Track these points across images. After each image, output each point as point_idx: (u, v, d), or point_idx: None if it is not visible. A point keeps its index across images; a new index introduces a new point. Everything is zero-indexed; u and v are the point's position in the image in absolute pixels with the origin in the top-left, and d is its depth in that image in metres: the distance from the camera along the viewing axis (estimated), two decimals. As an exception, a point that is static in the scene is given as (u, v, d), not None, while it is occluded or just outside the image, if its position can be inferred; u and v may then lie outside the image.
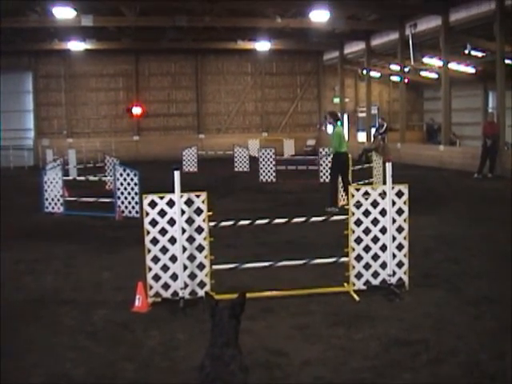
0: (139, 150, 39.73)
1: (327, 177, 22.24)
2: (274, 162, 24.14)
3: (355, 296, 8.06)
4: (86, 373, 5.90)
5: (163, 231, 7.91)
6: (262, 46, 37.33)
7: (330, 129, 16.25)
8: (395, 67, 37.00)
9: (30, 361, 6.19)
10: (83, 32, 33.27)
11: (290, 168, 24.88)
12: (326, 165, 22.58)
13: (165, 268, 7.97)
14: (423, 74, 39.24)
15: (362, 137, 39.83)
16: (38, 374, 5.89)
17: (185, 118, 42.37)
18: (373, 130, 36.06)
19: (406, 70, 33.58)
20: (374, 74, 40.52)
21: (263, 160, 24.16)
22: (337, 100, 41.86)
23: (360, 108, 42.30)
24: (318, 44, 39.77)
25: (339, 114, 17.16)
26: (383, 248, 8.23)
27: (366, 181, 18.22)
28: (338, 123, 16.56)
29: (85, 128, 40.77)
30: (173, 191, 7.80)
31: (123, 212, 15.41)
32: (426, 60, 34.98)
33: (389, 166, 8.19)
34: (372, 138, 35.08)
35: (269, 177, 23.90)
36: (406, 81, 34.28)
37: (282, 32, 34.43)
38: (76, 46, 35.83)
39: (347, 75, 41.44)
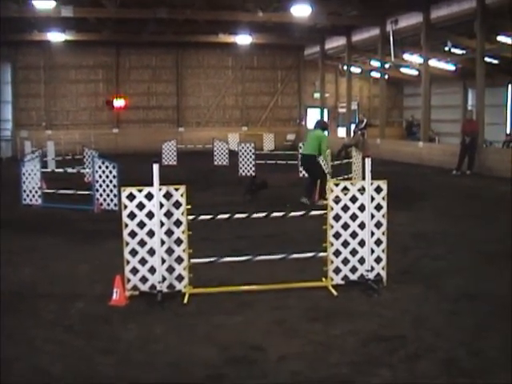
0: (118, 143, 39.57)
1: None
2: (253, 157, 24.12)
3: (333, 291, 8.06)
4: (64, 366, 5.84)
5: (141, 224, 7.87)
6: (243, 39, 37.25)
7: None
8: (376, 63, 37.08)
9: (7, 354, 6.13)
10: (63, 23, 33.04)
11: (270, 162, 24.86)
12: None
13: (143, 261, 7.93)
14: (403, 70, 39.33)
15: (341, 132, 39.88)
16: (15, 367, 5.83)
17: (165, 111, 42.25)
18: (353, 126, 36.12)
19: (387, 66, 33.69)
20: (355, 69, 40.56)
21: (243, 154, 24.14)
22: (317, 95, 41.91)
23: (340, 103, 42.36)
24: (299, 39, 39.76)
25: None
26: (362, 243, 8.24)
27: (346, 176, 18.25)
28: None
29: (64, 120, 40.53)
30: (152, 184, 7.76)
31: (102, 205, 15.32)
32: (406, 56, 35.07)
33: (368, 161, 8.19)
34: (352, 134, 35.14)
35: (248, 171, 23.87)
36: (387, 77, 34.39)
37: (264, 26, 34.41)
38: (56, 37, 35.55)
39: (328, 70, 41.47)
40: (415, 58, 34.65)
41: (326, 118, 38.61)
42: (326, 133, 16.85)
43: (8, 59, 39.50)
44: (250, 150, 24.11)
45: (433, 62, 32.36)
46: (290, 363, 5.86)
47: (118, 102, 40.01)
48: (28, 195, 16.26)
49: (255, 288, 8.20)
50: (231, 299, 7.82)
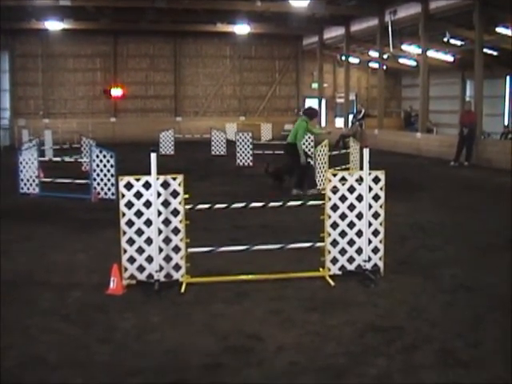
0: (116, 132, 39.48)
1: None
2: (251, 146, 24.10)
3: (330, 281, 8.06)
4: (60, 355, 5.84)
5: (139, 213, 7.86)
6: (242, 29, 37.16)
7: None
8: (374, 53, 37.03)
9: (3, 343, 6.12)
10: (61, 12, 32.87)
11: (267, 152, 24.83)
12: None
13: (140, 250, 7.93)
14: (402, 61, 39.27)
15: (339, 122, 39.88)
16: (11, 356, 5.83)
17: (162, 101, 42.17)
18: (350, 116, 36.12)
19: (385, 56, 33.61)
20: (353, 59, 40.49)
21: (240, 144, 24.11)
22: (315, 85, 41.86)
23: (338, 94, 42.30)
24: (297, 29, 39.63)
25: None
26: (359, 234, 8.24)
27: (343, 166, 18.24)
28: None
29: (61, 109, 40.45)
30: (149, 173, 7.75)
31: (99, 194, 15.31)
32: (404, 47, 34.99)
33: (366, 151, 8.18)
34: (350, 124, 35.15)
35: (246, 161, 23.86)
36: (385, 67, 34.35)
37: (262, 16, 34.30)
38: (54, 25, 35.42)
39: (326, 60, 41.37)
40: (413, 49, 34.57)
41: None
42: (313, 120, 16.75)
43: (6, 48, 39.39)
44: (248, 140, 24.09)
45: (431, 53, 32.33)
46: (288, 353, 5.87)
47: (116, 91, 39.96)
48: (25, 184, 16.24)
49: (253, 278, 8.21)
50: (228, 289, 7.82)
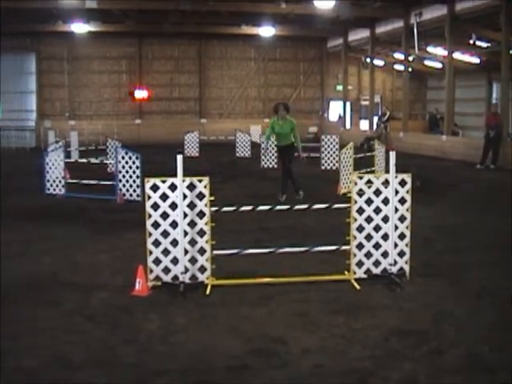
0: (141, 134, 39.62)
1: (329, 164, 22.37)
2: (275, 148, 23.99)
3: (356, 284, 8.04)
4: (85, 356, 5.87)
5: (165, 215, 7.89)
6: (266, 31, 37.15)
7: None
8: (399, 56, 36.88)
9: (28, 343, 6.17)
10: (87, 14, 33.09)
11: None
12: (328, 152, 22.63)
13: (165, 252, 7.95)
14: (427, 63, 39.09)
15: (364, 125, 39.73)
16: (36, 355, 5.87)
17: (187, 103, 42.25)
18: (375, 119, 35.98)
19: (411, 58, 33.46)
20: (378, 62, 40.34)
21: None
22: (340, 88, 41.72)
23: (363, 96, 42.14)
24: (322, 31, 39.49)
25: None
26: (385, 237, 8.20)
27: (368, 169, 18.17)
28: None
29: (87, 110, 40.67)
30: (175, 175, 7.76)
31: (124, 195, 15.38)
32: (430, 49, 34.83)
33: (392, 154, 8.14)
34: (374, 127, 35.02)
35: (270, 163, 23.82)
36: (410, 70, 34.19)
37: (287, 18, 34.22)
38: (80, 28, 35.66)
39: (351, 63, 41.20)
40: (439, 51, 34.40)
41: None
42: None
43: (32, 50, 39.70)
44: (273, 142, 24.01)
45: (457, 55, 32.13)
46: (313, 356, 5.86)
47: (141, 93, 40.11)
48: (51, 185, 16.36)
49: (277, 280, 8.19)
50: (253, 291, 7.82)
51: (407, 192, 8.19)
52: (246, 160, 27.53)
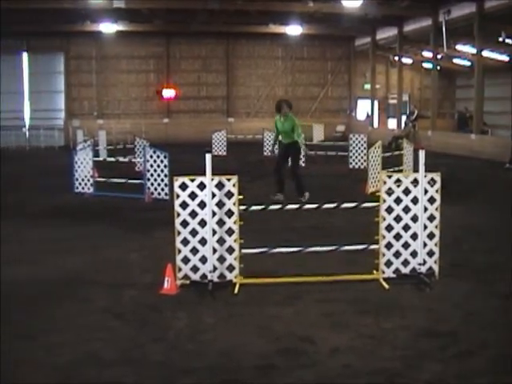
0: (168, 133, 39.77)
1: (356, 163, 22.29)
2: (303, 147, 23.95)
3: (384, 284, 8.00)
4: (114, 353, 5.91)
5: (193, 214, 7.90)
6: (294, 30, 37.16)
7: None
8: (427, 54, 36.66)
9: (57, 340, 6.22)
10: (115, 14, 33.30)
11: (320, 153, 24.73)
12: (356, 151, 22.54)
13: (194, 251, 7.97)
14: (456, 61, 38.82)
15: (392, 124, 39.55)
16: (65, 352, 5.91)
17: (214, 102, 42.36)
18: (403, 117, 35.81)
19: (439, 56, 33.25)
20: (406, 60, 40.14)
21: (292, 145, 23.97)
22: (367, 86, 41.59)
23: (391, 95, 41.95)
24: (349, 29, 39.42)
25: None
26: (414, 236, 8.15)
27: (396, 168, 18.08)
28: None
29: (115, 109, 40.94)
30: (203, 174, 7.78)
31: (152, 194, 15.45)
32: (459, 47, 34.60)
33: (422, 153, 8.09)
34: (402, 125, 34.85)
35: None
36: (438, 68, 33.97)
37: (314, 16, 34.18)
38: (108, 27, 35.92)
39: (378, 61, 41.06)
40: (468, 49, 34.16)
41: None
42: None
43: (61, 49, 40.05)
44: (301, 141, 23.95)
45: (486, 53, 31.86)
46: (341, 356, 5.84)
47: (169, 92, 40.27)
48: (80, 183, 16.46)
49: (305, 280, 8.18)
50: (281, 290, 7.81)
51: (436, 191, 8.14)
52: (273, 159, 27.43)
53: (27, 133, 37.88)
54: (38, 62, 39.41)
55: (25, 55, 39.66)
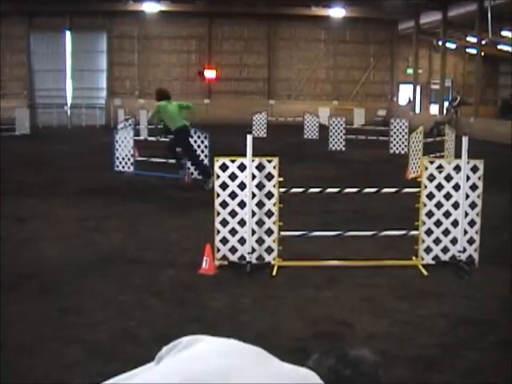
0: (209, 113, 39.73)
1: (397, 148, 22.12)
2: (343, 131, 23.90)
3: (423, 270, 7.94)
4: (150, 331, 5.94)
5: (233, 195, 7.91)
6: (337, 12, 36.91)
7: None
8: (472, 39, 36.17)
9: (96, 317, 6.28)
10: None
11: (360, 138, 24.60)
12: (397, 136, 22.36)
13: (233, 232, 7.99)
14: (501, 47, 38.25)
15: (434, 109, 39.16)
16: (103, 329, 5.97)
17: (255, 83, 42.30)
18: (446, 103, 35.44)
19: (483, 42, 32.79)
20: (450, 45, 39.65)
21: (333, 128, 23.92)
22: (410, 71, 41.20)
23: (433, 80, 41.49)
24: (393, 13, 39.03)
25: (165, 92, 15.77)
26: (455, 223, 8.07)
27: (438, 154, 17.90)
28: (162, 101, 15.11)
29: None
30: (243, 155, 7.78)
31: (192, 174, 15.49)
32: (504, 33, 34.07)
33: (465, 139, 7.99)
34: (445, 111, 34.49)
35: (338, 145, 23.68)
36: (482, 54, 33.52)
37: (357, -1, 33.94)
38: (150, 7, 36.04)
39: (421, 46, 40.57)
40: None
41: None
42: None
43: (104, 29, 40.30)
44: (341, 125, 23.89)
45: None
46: (378, 341, 5.81)
47: (210, 73, 40.30)
48: (120, 162, 16.59)
49: (343, 263, 8.16)
50: (319, 273, 7.80)
51: (479, 178, 8.04)
52: (313, 142, 27.45)
53: (69, 111, 38.22)
54: (81, 41, 39.69)
55: (68, 34, 39.95)
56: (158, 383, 1.68)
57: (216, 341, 1.87)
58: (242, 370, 1.69)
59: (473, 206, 8.07)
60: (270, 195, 7.95)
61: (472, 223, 8.11)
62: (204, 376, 1.65)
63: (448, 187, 8.06)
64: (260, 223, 7.99)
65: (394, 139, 22.42)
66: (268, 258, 8.06)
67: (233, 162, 7.90)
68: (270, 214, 7.99)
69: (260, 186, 7.92)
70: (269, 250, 8.05)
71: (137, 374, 1.85)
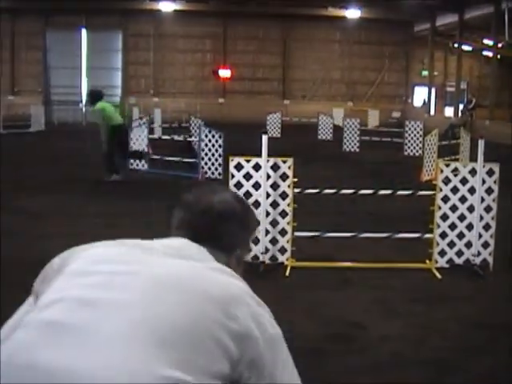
0: (223, 113, 39.84)
1: (411, 150, 22.06)
2: (358, 132, 23.88)
3: (437, 274, 7.91)
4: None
5: (248, 194, 7.87)
6: (352, 13, 36.87)
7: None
8: (488, 42, 36.03)
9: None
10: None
11: (374, 139, 24.55)
12: (412, 138, 22.30)
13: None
14: (517, 50, 38.08)
15: (449, 112, 39.03)
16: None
17: (270, 83, 42.32)
18: (461, 106, 35.32)
19: (500, 45, 32.66)
20: (466, 47, 39.50)
21: (348, 129, 23.91)
22: (425, 73, 41.11)
23: (449, 82, 41.36)
24: (408, 14, 38.95)
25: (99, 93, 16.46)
26: (469, 227, 8.04)
27: (452, 157, 17.84)
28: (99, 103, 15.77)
29: (171, 88, 41.18)
30: (257, 155, 7.78)
31: (206, 173, 15.50)
32: (521, 36, 33.92)
33: (481, 142, 7.97)
34: (460, 114, 34.37)
35: (352, 146, 23.66)
36: (499, 56, 33.38)
37: (373, 0, 33.85)
38: (166, 6, 36.12)
39: (437, 48, 40.50)
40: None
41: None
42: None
43: (119, 27, 40.45)
44: (356, 126, 23.87)
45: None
46: (391, 344, 5.79)
47: (224, 73, 40.35)
48: (135, 160, 16.60)
49: (357, 265, 8.14)
50: (332, 275, 7.78)
51: (494, 182, 8.01)
52: (327, 143, 27.42)
53: (83, 108, 38.33)
54: (96, 39, 39.83)
55: (84, 32, 40.10)
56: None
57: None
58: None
59: (488, 209, 8.04)
60: (284, 195, 7.95)
61: (487, 227, 8.07)
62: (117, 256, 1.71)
63: (463, 190, 8.02)
64: (274, 223, 7.99)
65: (409, 141, 22.37)
66: (281, 259, 8.05)
67: (248, 161, 7.90)
68: (284, 214, 7.99)
69: (275, 187, 7.92)
70: (282, 251, 8.05)
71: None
